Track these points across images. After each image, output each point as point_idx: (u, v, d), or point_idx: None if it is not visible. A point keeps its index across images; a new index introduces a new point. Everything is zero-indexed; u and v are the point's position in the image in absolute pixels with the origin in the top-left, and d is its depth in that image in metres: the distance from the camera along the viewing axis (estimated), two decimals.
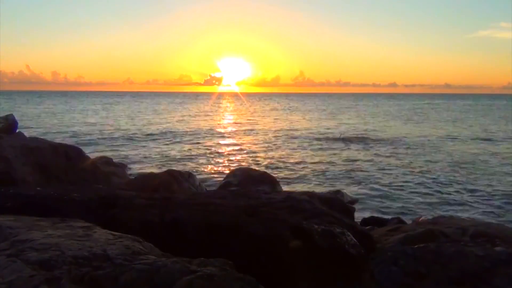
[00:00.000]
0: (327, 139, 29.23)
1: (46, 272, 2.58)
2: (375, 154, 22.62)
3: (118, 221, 4.18)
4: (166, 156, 21.66)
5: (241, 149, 24.94)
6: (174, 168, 14.34)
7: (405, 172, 17.56)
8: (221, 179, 14.13)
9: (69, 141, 23.05)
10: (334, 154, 22.49)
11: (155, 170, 15.74)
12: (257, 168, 15.73)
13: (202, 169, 18.37)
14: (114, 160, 15.71)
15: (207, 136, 31.40)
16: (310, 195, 6.09)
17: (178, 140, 28.56)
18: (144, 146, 25.00)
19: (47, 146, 9.60)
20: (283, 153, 23.04)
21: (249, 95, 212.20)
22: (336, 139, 28.79)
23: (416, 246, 4.58)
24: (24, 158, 8.54)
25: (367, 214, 11.11)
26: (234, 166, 18.46)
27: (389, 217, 10.64)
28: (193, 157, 21.71)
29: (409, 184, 15.51)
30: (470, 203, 12.99)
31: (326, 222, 4.54)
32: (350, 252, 4.17)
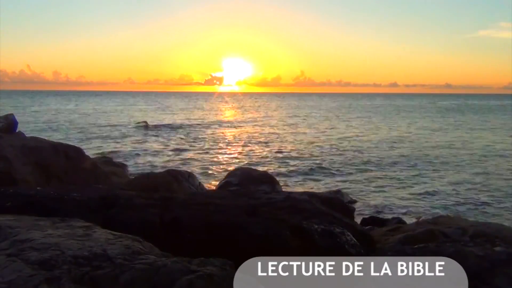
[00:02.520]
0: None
1: (46, 271, 2.58)
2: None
3: (118, 221, 4.18)
4: (167, 156, 21.67)
5: (241, 149, 24.95)
6: (174, 168, 14.34)
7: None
8: (221, 179, 14.13)
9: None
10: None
11: (155, 170, 15.73)
12: (257, 168, 15.73)
13: (202, 169, 18.37)
14: (114, 160, 15.72)
15: (207, 136, 31.40)
16: (310, 195, 6.09)
17: (178, 140, 28.56)
18: (145, 144, 25.02)
19: (47, 145, 9.59)
20: (284, 151, 23.04)
21: (249, 95, 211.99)
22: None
23: (416, 246, 4.58)
24: (24, 157, 8.53)
25: (367, 214, 11.11)
26: (234, 166, 18.46)
27: (389, 217, 10.64)
28: (193, 157, 21.71)
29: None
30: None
31: (326, 222, 4.54)
32: (350, 252, 4.17)
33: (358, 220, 9.71)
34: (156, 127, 36.29)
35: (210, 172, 17.92)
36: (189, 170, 13.49)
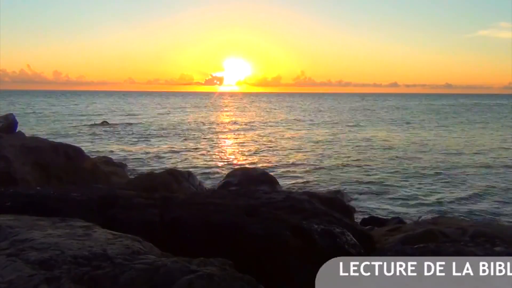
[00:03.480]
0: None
1: (46, 271, 2.58)
2: None
3: (118, 220, 4.18)
4: (166, 155, 21.67)
5: (241, 149, 24.95)
6: (174, 168, 14.34)
7: None
8: (221, 179, 14.13)
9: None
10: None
11: (155, 170, 15.72)
12: (256, 168, 15.74)
13: (202, 169, 18.36)
14: (114, 160, 15.72)
15: (207, 136, 31.40)
16: (310, 195, 6.09)
17: (179, 139, 28.57)
18: (146, 145, 25.04)
19: (47, 145, 9.60)
20: (284, 151, 23.04)
21: (249, 95, 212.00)
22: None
23: (416, 246, 4.58)
24: (24, 157, 8.54)
25: (367, 214, 11.11)
26: (234, 166, 18.46)
27: (389, 217, 10.64)
28: (193, 157, 21.71)
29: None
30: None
31: (326, 222, 4.54)
32: (350, 252, 4.17)
33: (358, 220, 9.72)
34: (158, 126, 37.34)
35: (210, 172, 17.90)
36: (189, 170, 13.49)
